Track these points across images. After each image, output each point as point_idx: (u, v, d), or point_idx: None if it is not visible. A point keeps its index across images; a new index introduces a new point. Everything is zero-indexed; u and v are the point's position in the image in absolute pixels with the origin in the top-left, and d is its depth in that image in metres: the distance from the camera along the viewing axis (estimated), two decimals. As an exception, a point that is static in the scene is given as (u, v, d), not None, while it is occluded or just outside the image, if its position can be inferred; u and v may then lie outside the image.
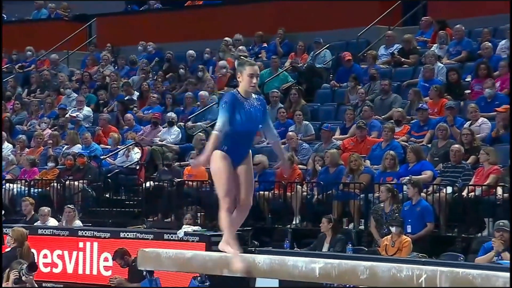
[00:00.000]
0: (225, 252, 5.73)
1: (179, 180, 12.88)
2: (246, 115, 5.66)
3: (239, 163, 5.74)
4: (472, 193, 10.46)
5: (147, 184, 13.20)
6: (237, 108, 5.65)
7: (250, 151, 5.87)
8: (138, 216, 13.08)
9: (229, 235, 5.76)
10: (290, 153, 12.22)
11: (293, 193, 11.79)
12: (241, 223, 5.99)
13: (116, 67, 18.33)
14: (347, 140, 12.60)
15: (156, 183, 13.21)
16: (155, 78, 17.00)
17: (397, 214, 10.42)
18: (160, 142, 14.43)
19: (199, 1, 19.52)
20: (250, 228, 11.26)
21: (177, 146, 14.44)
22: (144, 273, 10.26)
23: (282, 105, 14.25)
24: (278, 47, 16.75)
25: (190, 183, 12.78)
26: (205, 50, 17.23)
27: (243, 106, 5.66)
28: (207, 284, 10.09)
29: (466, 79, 13.37)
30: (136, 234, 11.46)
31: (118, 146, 14.60)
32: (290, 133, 13.04)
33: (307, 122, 13.57)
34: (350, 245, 10.39)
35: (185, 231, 10.98)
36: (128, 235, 11.49)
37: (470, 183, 10.62)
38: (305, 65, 15.53)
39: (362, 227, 11.16)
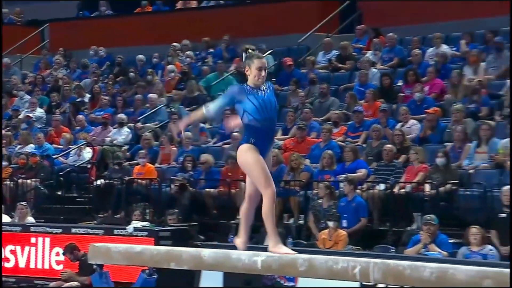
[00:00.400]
0: (284, 253, 5.37)
1: (129, 178, 12.81)
2: (261, 103, 5.36)
3: (265, 155, 5.42)
4: (403, 190, 10.63)
5: (98, 182, 13.11)
6: (248, 97, 5.36)
7: (272, 147, 5.58)
8: (89, 212, 12.97)
9: (274, 231, 5.45)
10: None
11: (237, 190, 11.83)
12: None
13: (68, 71, 18.13)
14: (288, 140, 12.69)
15: (106, 181, 13.11)
16: (106, 81, 16.87)
17: (334, 210, 10.53)
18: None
19: (149, 8, 19.41)
20: (196, 223, 11.27)
21: (127, 146, 14.37)
22: (95, 266, 10.19)
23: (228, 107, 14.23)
24: (224, 53, 16.76)
25: (140, 181, 12.73)
26: (154, 54, 17.16)
27: (255, 95, 5.39)
28: (155, 276, 10.07)
29: (398, 84, 13.58)
30: (87, 230, 11.36)
31: (70, 146, 14.45)
32: (235, 133, 13.06)
33: (248, 124, 13.57)
34: (290, 239, 10.46)
35: (134, 227, 10.92)
36: (79, 230, 11.39)
37: (401, 181, 10.79)
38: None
39: (301, 222, 11.24)
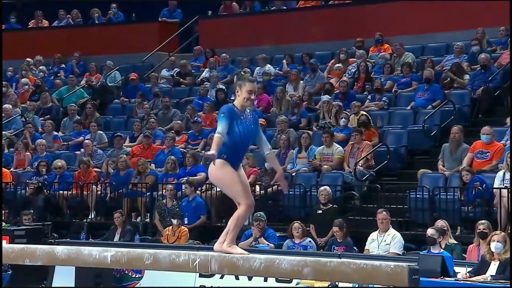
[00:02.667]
0: (229, 253, 5.09)
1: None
2: (243, 128, 5.10)
3: (236, 170, 5.13)
4: (236, 190, 10.75)
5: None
6: (235, 120, 5.06)
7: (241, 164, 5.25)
8: None
9: (235, 235, 5.19)
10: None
11: (89, 192, 11.53)
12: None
13: None
14: (136, 147, 12.52)
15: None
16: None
17: (177, 209, 10.49)
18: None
19: (2, 26, 18.47)
20: (50, 222, 10.86)
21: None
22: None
23: (79, 117, 13.88)
24: (75, 68, 16.32)
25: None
26: (8, 68, 16.41)
27: (240, 119, 5.10)
28: (9, 272, 9.60)
29: (231, 98, 13.76)
30: None
31: None
32: (86, 141, 12.75)
33: (101, 132, 13.33)
34: (137, 235, 10.31)
35: (-11, 227, 10.33)
36: None
37: (235, 182, 10.89)
38: (98, 83, 15.26)
39: (148, 220, 11.11)
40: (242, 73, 5.33)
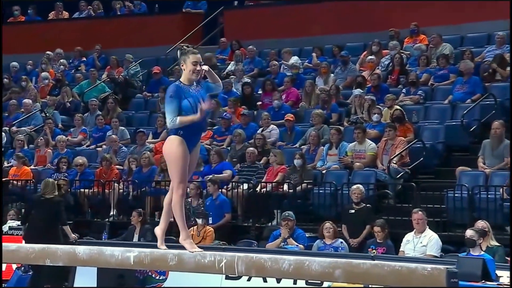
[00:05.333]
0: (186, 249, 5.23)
1: (4, 179, 12.28)
2: (194, 100, 5.22)
3: (192, 149, 5.29)
4: (264, 189, 10.77)
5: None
6: (184, 95, 5.19)
7: (200, 142, 5.42)
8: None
9: (185, 226, 5.31)
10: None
11: (110, 190, 11.62)
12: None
13: None
14: (159, 144, 12.56)
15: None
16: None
17: (202, 208, 10.53)
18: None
19: (21, 17, 18.68)
20: (71, 221, 10.96)
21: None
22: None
23: (100, 112, 14.00)
24: (96, 61, 16.44)
25: (15, 182, 12.26)
26: (28, 62, 16.58)
27: (189, 93, 5.23)
28: (30, 273, 9.71)
29: (258, 92, 13.77)
30: (-39, 230, 10.77)
31: None
32: (113, 136, 12.85)
33: (123, 128, 13.42)
34: (160, 235, 10.33)
35: (9, 226, 10.49)
36: (-46, 231, 10.77)
37: (262, 180, 10.93)
38: (120, 77, 15.36)
39: (172, 219, 11.12)
40: (185, 47, 5.37)
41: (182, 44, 5.43)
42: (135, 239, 10.29)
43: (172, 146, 5.26)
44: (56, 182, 10.22)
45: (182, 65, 5.31)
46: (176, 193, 5.29)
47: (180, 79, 5.34)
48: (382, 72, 13.00)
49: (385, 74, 13.00)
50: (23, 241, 9.44)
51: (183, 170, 5.25)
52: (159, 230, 5.53)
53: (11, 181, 12.30)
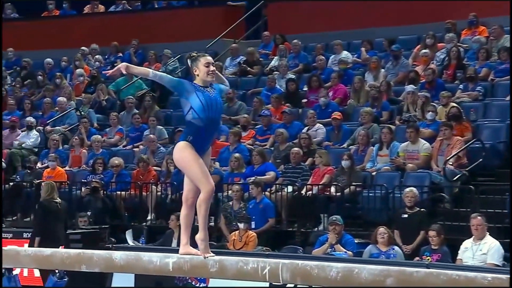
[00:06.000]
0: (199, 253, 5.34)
1: (39, 181, 12.48)
2: (207, 101, 5.31)
3: (201, 156, 5.36)
4: (310, 192, 10.75)
5: (6, 185, 12.71)
6: (197, 93, 5.32)
7: (210, 148, 5.51)
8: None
9: (206, 227, 5.38)
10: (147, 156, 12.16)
11: (148, 193, 11.72)
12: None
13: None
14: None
15: (14, 183, 12.75)
16: (13, 84, 16.40)
17: (244, 212, 10.55)
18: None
19: (56, 11, 18.98)
20: (107, 226, 11.10)
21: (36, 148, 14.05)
22: (3, 270, 9.87)
23: (137, 111, 14.13)
24: (133, 57, 16.58)
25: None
26: (62, 58, 16.83)
27: (203, 93, 5.34)
28: (65, 279, 9.84)
29: (303, 89, 13.74)
30: (-6, 234, 10.98)
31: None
32: (151, 136, 12.95)
33: (160, 127, 13.52)
34: (200, 240, 10.38)
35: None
36: (-13, 235, 10.99)
37: (308, 183, 10.90)
38: (158, 74, 15.45)
39: (212, 223, 11.19)
40: (194, 54, 5.49)
41: (190, 53, 5.50)
42: (174, 244, 10.36)
43: (182, 152, 5.36)
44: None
45: (195, 71, 5.43)
46: (203, 194, 5.33)
47: (194, 82, 5.45)
48: (437, 67, 12.86)
49: (440, 69, 12.86)
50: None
51: (202, 169, 5.30)
52: (182, 247, 5.53)
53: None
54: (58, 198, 10.14)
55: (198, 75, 5.43)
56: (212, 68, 5.39)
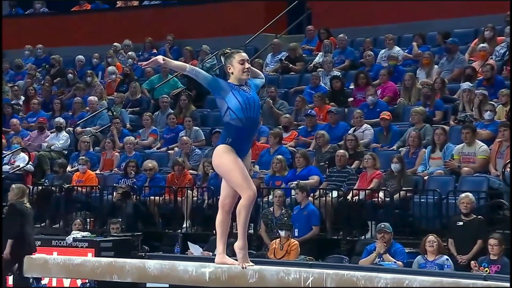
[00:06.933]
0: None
1: (68, 185, 12.64)
2: (245, 101, 5.41)
3: (243, 158, 5.44)
4: (357, 197, 10.71)
5: (34, 189, 12.90)
6: (233, 92, 5.40)
7: (250, 150, 5.59)
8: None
9: (245, 235, 5.46)
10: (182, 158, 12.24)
11: (183, 198, 11.78)
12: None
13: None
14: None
15: (42, 187, 12.93)
16: (42, 83, 16.63)
17: (286, 218, 10.55)
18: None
19: (87, 6, 19.23)
20: (140, 233, 11.18)
21: (65, 151, 14.22)
22: (31, 280, 10.02)
23: (172, 111, 14.22)
24: (168, 53, 16.68)
25: (79, 188, 12.58)
26: (94, 55, 17.00)
27: (240, 92, 5.43)
28: (96, 289, 9.96)
29: (350, 87, 13.70)
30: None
31: (4, 152, 14.19)
32: (185, 137, 13.02)
33: (197, 128, 13.58)
34: (239, 249, 10.40)
35: (74, 237, 10.78)
36: (14, 242, 11.15)
37: (354, 187, 10.87)
38: (194, 71, 15.52)
39: (251, 231, 11.21)
40: (227, 50, 5.54)
41: (223, 50, 5.55)
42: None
43: (221, 156, 5.42)
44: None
45: (229, 68, 5.50)
46: (244, 200, 5.39)
47: (229, 81, 5.50)
48: (497, 63, 12.73)
49: (500, 65, 12.72)
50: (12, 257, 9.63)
51: (244, 175, 5.37)
52: (218, 256, 5.57)
53: (75, 187, 12.61)
54: (28, 203, 10.18)
55: (232, 73, 5.49)
56: (247, 65, 5.46)
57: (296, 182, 10.99)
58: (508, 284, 4.76)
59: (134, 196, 11.96)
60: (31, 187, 12.99)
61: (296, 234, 10.40)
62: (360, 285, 5.03)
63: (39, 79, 16.97)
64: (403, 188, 10.46)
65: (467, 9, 14.31)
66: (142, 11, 18.07)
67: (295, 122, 13.04)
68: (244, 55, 5.51)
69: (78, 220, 11.49)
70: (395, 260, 9.31)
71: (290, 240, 10.09)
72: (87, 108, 15.04)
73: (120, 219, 11.37)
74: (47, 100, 15.87)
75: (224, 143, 5.41)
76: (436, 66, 13.24)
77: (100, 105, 14.96)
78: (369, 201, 10.59)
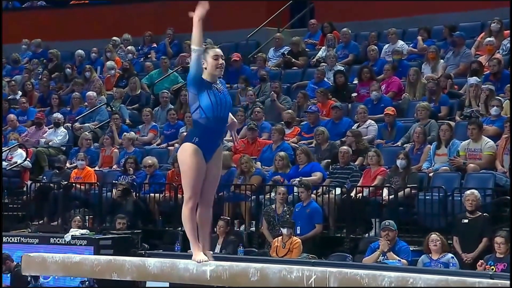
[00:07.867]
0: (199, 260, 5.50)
1: (66, 182, 12.65)
2: (217, 101, 5.47)
3: (210, 157, 5.52)
4: (360, 194, 10.71)
5: (32, 186, 12.92)
6: (206, 91, 5.46)
7: (221, 144, 5.66)
8: (23, 220, 12.77)
9: (195, 239, 5.54)
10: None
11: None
12: (210, 222, 5.77)
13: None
14: (239, 142, 12.65)
15: (40, 184, 12.94)
16: (40, 77, 16.64)
17: (288, 216, 10.56)
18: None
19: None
20: (140, 231, 11.20)
21: (64, 147, 14.23)
22: (29, 278, 10.06)
23: (172, 106, 14.23)
24: (168, 48, 16.71)
25: (78, 185, 12.59)
26: (92, 49, 17.00)
27: (213, 92, 5.49)
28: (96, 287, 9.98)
29: (353, 82, 13.70)
30: (20, 239, 11.17)
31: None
32: (185, 133, 12.98)
33: (197, 124, 13.54)
34: (241, 247, 10.45)
35: (72, 235, 10.81)
36: (11, 239, 11.20)
37: (358, 184, 10.87)
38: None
39: (253, 228, 11.25)
40: (203, 46, 5.59)
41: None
42: (217, 250, 10.42)
43: (185, 155, 5.51)
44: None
45: (203, 64, 5.54)
46: (185, 206, 5.53)
47: (202, 77, 5.54)
48: (504, 57, 12.72)
49: (507, 59, 12.71)
50: None
51: (196, 183, 5.49)
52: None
53: (74, 184, 12.63)
54: None
55: (205, 68, 5.53)
56: (221, 61, 5.52)
57: (298, 179, 11.00)
58: (514, 283, 4.78)
59: (134, 193, 11.96)
60: (28, 183, 13.05)
61: (299, 232, 10.41)
62: (364, 284, 5.04)
63: (37, 73, 16.98)
64: (408, 185, 10.46)
65: (473, 3, 14.30)
66: (142, 5, 18.07)
67: (297, 118, 13.05)
68: (218, 51, 5.59)
69: (77, 217, 11.51)
70: (400, 258, 9.32)
71: (293, 238, 10.10)
72: (86, 103, 15.05)
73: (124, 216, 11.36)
74: (45, 95, 15.88)
75: (191, 142, 5.49)
76: (441, 60, 13.24)
77: (99, 101, 14.97)
78: (373, 199, 10.59)
